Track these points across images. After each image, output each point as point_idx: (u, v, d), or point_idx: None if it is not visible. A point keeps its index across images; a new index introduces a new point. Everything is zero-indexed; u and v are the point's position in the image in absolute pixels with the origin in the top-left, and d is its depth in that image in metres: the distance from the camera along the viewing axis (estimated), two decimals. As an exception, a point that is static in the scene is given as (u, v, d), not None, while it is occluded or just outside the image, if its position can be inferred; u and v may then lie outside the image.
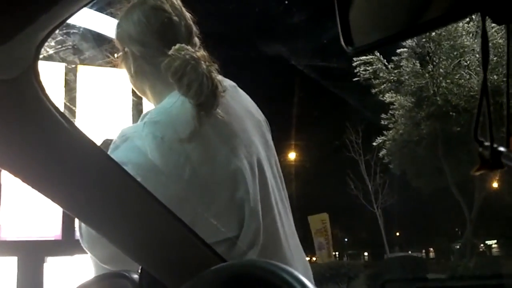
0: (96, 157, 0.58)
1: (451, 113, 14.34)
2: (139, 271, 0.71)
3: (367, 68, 15.35)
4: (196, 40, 1.09)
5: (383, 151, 16.10)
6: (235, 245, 0.91)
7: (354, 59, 15.24)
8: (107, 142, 1.00)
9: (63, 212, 1.93)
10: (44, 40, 0.47)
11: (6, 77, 0.47)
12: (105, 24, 2.12)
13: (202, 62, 0.97)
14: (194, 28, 1.10)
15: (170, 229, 0.64)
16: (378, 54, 15.24)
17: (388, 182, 20.43)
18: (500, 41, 14.11)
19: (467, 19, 14.49)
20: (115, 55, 1.13)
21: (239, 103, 1.07)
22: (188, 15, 1.10)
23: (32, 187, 0.56)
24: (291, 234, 1.05)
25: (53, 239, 1.97)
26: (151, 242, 0.64)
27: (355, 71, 15.45)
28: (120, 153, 0.91)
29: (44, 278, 1.89)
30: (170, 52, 0.98)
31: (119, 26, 1.10)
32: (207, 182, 0.93)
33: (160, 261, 0.66)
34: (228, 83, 1.06)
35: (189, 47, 1.00)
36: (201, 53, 1.00)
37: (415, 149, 15.01)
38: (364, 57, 15.22)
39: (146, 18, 1.05)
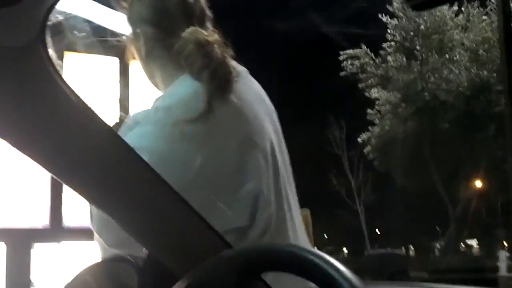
0: (105, 135, 0.56)
1: (439, 109, 14.14)
2: (146, 256, 0.71)
3: (354, 62, 15.06)
4: (209, 23, 1.07)
5: (368, 148, 15.86)
6: (246, 234, 0.91)
7: (341, 52, 14.96)
8: (115, 126, 1.00)
9: (51, 200, 2.00)
10: (52, 6, 0.49)
11: (14, 44, 0.47)
12: (96, 10, 2.12)
13: (216, 46, 0.97)
14: (208, 11, 1.08)
15: (180, 214, 0.64)
16: (365, 47, 14.96)
17: (372, 179, 20.45)
18: (488, 34, 13.93)
19: (455, 11, 14.27)
20: (124, 36, 1.16)
21: (251, 89, 1.06)
22: None
23: (37, 163, 0.54)
24: (299, 223, 1.04)
25: (40, 228, 2.03)
26: (160, 227, 0.63)
27: (342, 65, 15.11)
28: (130, 138, 0.86)
29: (31, 264, 1.94)
30: (183, 35, 0.98)
31: (130, 6, 1.09)
32: (219, 169, 0.93)
33: (168, 247, 0.65)
34: (240, 68, 1.04)
35: (203, 31, 1.00)
36: (215, 37, 0.99)
37: (400, 145, 14.80)
38: (351, 51, 14.95)
39: None
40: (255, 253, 0.53)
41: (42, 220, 2.06)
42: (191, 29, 1.00)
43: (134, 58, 1.13)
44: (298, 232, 1.03)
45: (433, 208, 16.72)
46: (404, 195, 17.57)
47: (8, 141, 0.52)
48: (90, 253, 0.99)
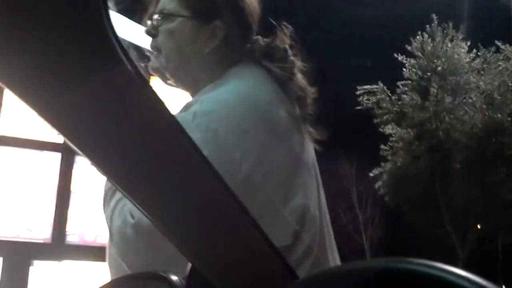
0: (172, 129, 0.45)
1: (451, 148, 14.30)
2: (188, 275, 0.57)
3: (370, 98, 15.29)
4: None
5: (379, 183, 15.94)
6: (289, 254, 0.81)
7: (358, 87, 15.27)
8: None
9: (55, 214, 1.90)
10: None
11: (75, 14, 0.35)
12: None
13: (282, 45, 0.95)
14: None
15: (243, 229, 0.52)
16: (381, 84, 15.21)
17: (380, 215, 20.34)
18: (504, 78, 14.19)
19: (473, 57, 14.60)
20: (157, 15, 1.00)
21: None
22: None
23: (88, 154, 0.43)
24: (334, 241, 1.00)
25: (41, 241, 1.90)
26: (218, 240, 0.51)
27: (359, 99, 15.37)
28: None
29: (29, 282, 1.83)
30: (255, 41, 0.95)
31: None
32: (264, 184, 0.84)
33: (222, 265, 0.53)
34: None
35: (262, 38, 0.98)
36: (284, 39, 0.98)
37: (412, 182, 14.86)
38: (368, 86, 15.23)
39: None
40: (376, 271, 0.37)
41: (44, 235, 1.93)
42: (256, 37, 0.98)
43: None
44: (334, 251, 0.98)
45: (441, 247, 16.58)
46: (412, 232, 17.48)
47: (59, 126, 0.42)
48: (94, 275, 0.87)
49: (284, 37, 0.98)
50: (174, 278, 0.58)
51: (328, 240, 0.95)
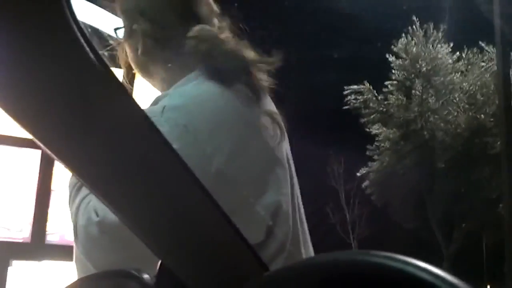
0: (136, 118, 0.43)
1: (436, 148, 14.45)
2: (158, 272, 0.55)
3: (358, 98, 15.39)
4: (216, 20, 1.00)
5: (366, 182, 16.05)
6: (262, 250, 0.79)
7: (345, 87, 15.37)
8: None
9: (35, 213, 1.84)
10: None
11: None
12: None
13: (228, 42, 0.90)
14: (215, 8, 1.01)
15: (214, 223, 0.51)
16: (368, 84, 15.31)
17: (367, 214, 20.46)
18: (486, 78, 14.38)
19: (457, 58, 14.78)
20: (117, 31, 1.01)
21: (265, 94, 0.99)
22: None
23: (46, 143, 0.41)
24: (308, 239, 0.98)
25: (21, 241, 1.85)
26: (187, 235, 0.50)
27: (346, 99, 15.47)
28: None
29: (8, 283, 1.76)
30: (193, 34, 0.90)
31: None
32: (236, 179, 0.83)
33: (192, 261, 0.51)
34: None
35: (213, 29, 0.93)
36: (226, 34, 0.94)
37: (398, 181, 14.99)
38: (355, 86, 15.34)
39: None
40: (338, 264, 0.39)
41: (22, 233, 1.85)
42: (199, 27, 0.92)
43: (125, 60, 1.03)
44: (310, 249, 0.97)
45: (426, 246, 16.73)
46: (398, 231, 17.59)
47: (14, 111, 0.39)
48: (75, 275, 0.85)
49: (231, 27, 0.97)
50: (145, 276, 0.56)
51: (303, 236, 0.94)
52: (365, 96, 15.36)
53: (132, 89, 1.66)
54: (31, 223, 1.89)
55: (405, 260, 0.35)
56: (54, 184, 1.96)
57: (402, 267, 0.35)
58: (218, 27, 0.98)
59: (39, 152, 1.91)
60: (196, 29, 0.91)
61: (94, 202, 0.80)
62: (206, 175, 0.75)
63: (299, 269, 0.42)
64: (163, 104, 0.85)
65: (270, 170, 0.89)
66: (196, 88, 0.89)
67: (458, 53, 14.80)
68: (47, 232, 1.89)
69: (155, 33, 0.95)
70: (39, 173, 1.91)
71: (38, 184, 1.90)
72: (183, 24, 0.93)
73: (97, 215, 0.79)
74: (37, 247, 1.87)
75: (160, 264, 0.54)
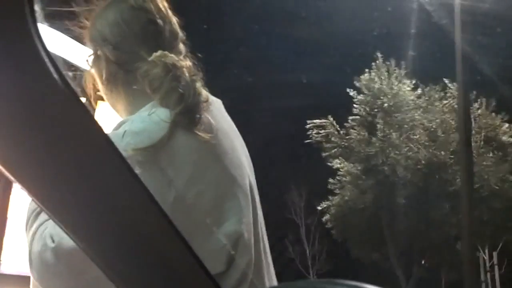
0: (101, 142, 0.45)
1: (397, 184, 14.58)
2: None
3: (320, 132, 15.43)
4: (182, 47, 1.01)
5: (327, 216, 15.99)
6: (221, 282, 0.80)
7: (308, 121, 15.42)
8: None
9: None
10: None
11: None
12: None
13: (186, 71, 0.91)
14: (181, 34, 1.02)
15: (170, 247, 0.52)
16: (331, 119, 15.43)
17: (327, 248, 20.41)
18: (447, 116, 14.76)
19: (418, 95, 15.14)
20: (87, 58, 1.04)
21: (225, 120, 0.99)
22: (174, 19, 1.02)
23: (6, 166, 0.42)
24: (272, 271, 0.97)
25: None
26: (142, 259, 0.50)
27: (308, 133, 15.52)
28: None
29: None
30: (150, 59, 0.92)
31: (92, 25, 1.01)
32: (194, 207, 0.84)
33: (148, 286, 0.51)
34: (213, 98, 0.98)
35: (172, 55, 0.93)
36: (187, 62, 0.94)
37: (359, 216, 15.00)
38: (317, 121, 15.42)
39: (123, 19, 0.97)
40: None
41: None
42: (159, 52, 0.92)
43: (93, 85, 1.05)
44: (273, 280, 0.96)
45: (386, 282, 16.75)
46: (358, 266, 17.59)
47: None
48: None
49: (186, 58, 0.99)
50: None
51: (266, 267, 0.94)
52: (327, 130, 15.45)
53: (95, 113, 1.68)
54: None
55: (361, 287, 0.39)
56: (11, 212, 1.94)
57: None
58: (184, 55, 1.00)
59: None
60: (155, 54, 0.92)
61: (50, 229, 0.80)
62: (166, 200, 0.79)
63: None
64: (124, 129, 0.87)
65: (231, 197, 0.88)
66: (158, 113, 0.88)
67: (420, 90, 15.16)
68: (1, 262, 1.89)
69: (118, 58, 0.97)
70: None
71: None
72: (145, 50, 0.94)
73: (53, 241, 0.79)
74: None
75: None
